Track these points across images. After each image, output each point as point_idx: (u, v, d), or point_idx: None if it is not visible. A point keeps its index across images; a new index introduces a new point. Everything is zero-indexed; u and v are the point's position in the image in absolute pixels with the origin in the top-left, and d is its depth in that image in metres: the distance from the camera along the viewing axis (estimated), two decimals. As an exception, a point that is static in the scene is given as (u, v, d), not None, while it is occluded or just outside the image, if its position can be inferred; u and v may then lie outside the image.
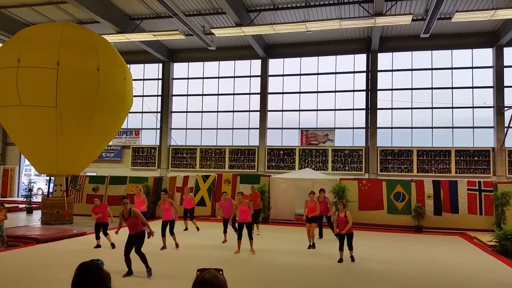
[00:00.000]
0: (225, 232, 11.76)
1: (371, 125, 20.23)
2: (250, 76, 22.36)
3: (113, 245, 10.47)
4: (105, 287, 1.88)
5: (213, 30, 17.02)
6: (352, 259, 9.29)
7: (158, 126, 23.13)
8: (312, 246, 10.94)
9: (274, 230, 14.23)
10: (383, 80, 20.53)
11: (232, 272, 8.15)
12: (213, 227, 14.33)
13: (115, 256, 8.87)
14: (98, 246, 10.54)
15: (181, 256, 9.76)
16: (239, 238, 10.17)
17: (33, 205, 18.89)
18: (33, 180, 21.91)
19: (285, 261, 9.32)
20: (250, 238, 10.17)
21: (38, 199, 21.24)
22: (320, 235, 12.54)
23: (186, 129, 23.23)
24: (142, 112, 23.37)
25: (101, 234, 10.72)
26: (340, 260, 9.27)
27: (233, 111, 22.50)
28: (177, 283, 7.39)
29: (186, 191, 13.99)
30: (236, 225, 11.12)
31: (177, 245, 10.52)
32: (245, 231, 10.19)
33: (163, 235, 10.38)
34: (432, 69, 20.14)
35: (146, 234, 8.00)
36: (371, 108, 20.25)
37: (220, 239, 11.67)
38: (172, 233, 10.55)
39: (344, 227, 9.25)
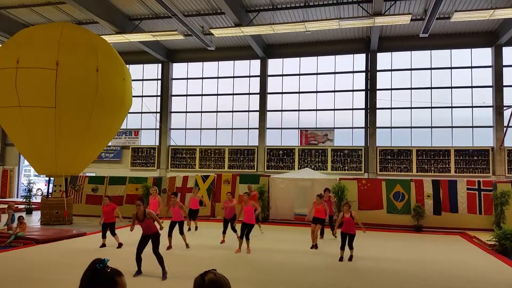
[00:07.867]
0: (224, 232, 11.77)
1: (370, 125, 20.24)
2: (249, 76, 22.37)
3: (120, 245, 10.46)
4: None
5: (212, 30, 17.02)
6: (350, 259, 9.43)
7: (158, 127, 23.13)
8: (315, 246, 10.95)
9: (273, 230, 14.24)
10: (382, 80, 20.54)
11: (232, 272, 8.14)
12: (212, 227, 14.33)
13: (121, 256, 8.87)
14: (103, 245, 10.52)
15: (182, 256, 9.74)
16: (241, 237, 10.20)
17: (33, 206, 18.85)
18: (33, 181, 21.88)
19: (286, 261, 9.32)
20: (247, 238, 10.20)
21: (38, 199, 21.24)
22: (321, 235, 12.58)
23: (186, 129, 23.23)
24: (142, 113, 23.37)
25: (107, 234, 10.68)
26: (341, 259, 9.40)
27: (232, 111, 22.50)
28: (178, 282, 7.38)
29: (194, 192, 14.30)
30: (235, 225, 11.15)
31: (187, 245, 10.46)
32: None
33: (170, 235, 10.37)
34: (431, 68, 20.16)
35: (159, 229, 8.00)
36: (371, 108, 20.26)
37: (220, 239, 11.67)
38: (181, 233, 10.59)
39: (349, 227, 9.39)
